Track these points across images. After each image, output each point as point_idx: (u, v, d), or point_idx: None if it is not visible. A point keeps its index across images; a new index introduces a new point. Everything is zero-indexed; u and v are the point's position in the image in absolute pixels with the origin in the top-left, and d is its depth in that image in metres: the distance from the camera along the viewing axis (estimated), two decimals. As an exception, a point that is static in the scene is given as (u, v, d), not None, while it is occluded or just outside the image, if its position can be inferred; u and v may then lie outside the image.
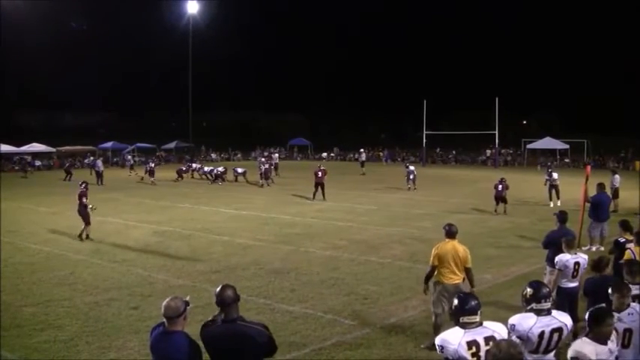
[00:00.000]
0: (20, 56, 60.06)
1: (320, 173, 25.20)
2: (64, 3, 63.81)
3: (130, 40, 69.04)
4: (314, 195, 25.01)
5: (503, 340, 3.94)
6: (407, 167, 30.34)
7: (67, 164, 40.34)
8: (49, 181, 35.74)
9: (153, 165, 35.72)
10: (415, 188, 28.76)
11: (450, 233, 8.22)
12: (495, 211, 20.75)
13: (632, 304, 5.28)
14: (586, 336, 4.59)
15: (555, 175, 23.15)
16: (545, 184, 23.47)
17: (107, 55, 69.83)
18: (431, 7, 73.71)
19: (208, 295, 10.27)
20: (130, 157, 48.05)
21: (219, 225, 18.51)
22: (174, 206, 23.25)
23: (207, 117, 79.40)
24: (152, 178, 33.73)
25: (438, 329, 7.80)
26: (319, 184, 25.03)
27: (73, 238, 16.07)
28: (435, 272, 8.11)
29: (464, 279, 8.13)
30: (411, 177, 29.09)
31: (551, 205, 22.10)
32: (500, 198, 20.84)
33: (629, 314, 5.21)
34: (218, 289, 4.62)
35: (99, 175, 33.67)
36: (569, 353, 4.51)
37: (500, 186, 20.94)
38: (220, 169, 34.96)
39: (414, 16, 75.63)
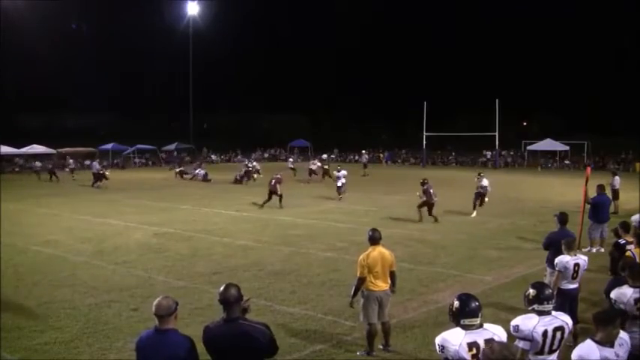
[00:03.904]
0: (21, 57, 60.09)
1: (273, 181, 22.70)
2: (64, 4, 63.87)
3: (130, 41, 69.06)
4: (264, 202, 22.66)
5: (496, 341, 3.94)
6: (337, 171, 26.14)
7: (51, 165, 40.22)
8: (48, 183, 35.72)
9: (99, 167, 34.75)
10: (340, 198, 25.08)
11: (374, 239, 7.97)
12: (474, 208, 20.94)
13: (621, 334, 4.76)
14: (591, 339, 4.57)
15: (485, 182, 21.47)
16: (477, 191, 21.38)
17: (107, 56, 69.87)
18: (431, 8, 73.78)
19: (209, 296, 10.29)
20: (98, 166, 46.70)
21: (219, 226, 18.52)
22: (174, 208, 23.26)
23: (208, 118, 79.39)
24: (99, 182, 32.02)
25: (372, 339, 7.80)
26: (273, 192, 22.58)
27: (73, 239, 16.07)
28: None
29: (394, 284, 8.02)
30: (339, 184, 25.25)
31: (474, 214, 20.65)
32: (480, 197, 21.08)
33: (619, 345, 4.64)
34: (222, 287, 4.62)
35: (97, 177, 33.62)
36: (574, 356, 4.49)
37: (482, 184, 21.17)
38: (255, 165, 35.03)
39: (415, 17, 75.55)
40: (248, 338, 4.45)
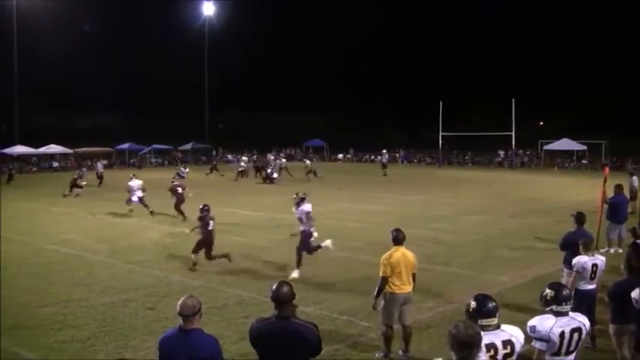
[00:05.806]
0: (37, 59, 60.58)
1: (180, 189, 20.47)
2: (80, 5, 64.38)
3: (146, 41, 69.45)
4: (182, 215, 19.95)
5: (462, 321, 3.88)
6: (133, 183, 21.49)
7: (10, 167, 40.41)
8: (64, 182, 35.93)
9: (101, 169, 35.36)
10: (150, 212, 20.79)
11: (397, 240, 7.84)
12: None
13: None
14: None
15: (307, 207, 13.72)
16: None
17: (123, 57, 70.32)
18: (447, 8, 73.50)
19: (224, 295, 10.33)
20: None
21: (234, 226, 18.57)
22: (188, 207, 23.26)
23: (223, 118, 79.61)
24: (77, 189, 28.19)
25: (389, 340, 7.75)
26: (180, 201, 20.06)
27: (88, 238, 16.17)
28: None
29: (413, 287, 7.92)
30: (134, 199, 21.24)
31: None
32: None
33: None
34: (274, 285, 4.62)
35: (99, 177, 33.91)
36: None
37: None
38: (275, 175, 34.98)
39: (430, 16, 75.20)
40: (299, 337, 4.47)
